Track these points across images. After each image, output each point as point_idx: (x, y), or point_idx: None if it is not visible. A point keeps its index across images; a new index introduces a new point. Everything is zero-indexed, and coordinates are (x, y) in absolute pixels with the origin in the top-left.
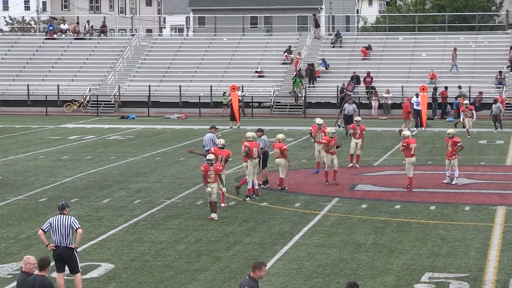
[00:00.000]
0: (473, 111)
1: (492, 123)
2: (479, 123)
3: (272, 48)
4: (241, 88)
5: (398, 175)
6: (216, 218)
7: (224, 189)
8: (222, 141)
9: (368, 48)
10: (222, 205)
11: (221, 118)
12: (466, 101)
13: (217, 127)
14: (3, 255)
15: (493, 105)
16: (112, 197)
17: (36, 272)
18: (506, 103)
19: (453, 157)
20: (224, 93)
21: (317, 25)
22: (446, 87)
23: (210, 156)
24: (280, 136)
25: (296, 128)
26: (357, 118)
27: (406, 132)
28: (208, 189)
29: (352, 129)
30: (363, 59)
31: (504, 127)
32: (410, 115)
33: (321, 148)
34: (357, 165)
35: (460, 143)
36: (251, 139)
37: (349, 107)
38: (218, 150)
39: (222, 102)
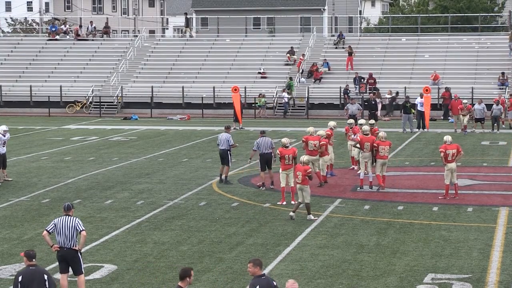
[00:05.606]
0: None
1: (491, 124)
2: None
3: (275, 49)
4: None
5: (400, 176)
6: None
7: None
8: (286, 140)
9: (350, 53)
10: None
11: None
12: (363, 122)
13: (230, 126)
14: (5, 256)
15: (494, 106)
16: (115, 198)
17: (179, 283)
18: None
19: None
20: (260, 94)
21: (187, 25)
22: (446, 88)
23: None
24: (331, 123)
25: (298, 129)
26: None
27: (446, 138)
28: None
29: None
30: (365, 59)
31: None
32: (460, 111)
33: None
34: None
35: None
36: (367, 133)
37: (352, 107)
38: (284, 149)
39: (257, 104)
